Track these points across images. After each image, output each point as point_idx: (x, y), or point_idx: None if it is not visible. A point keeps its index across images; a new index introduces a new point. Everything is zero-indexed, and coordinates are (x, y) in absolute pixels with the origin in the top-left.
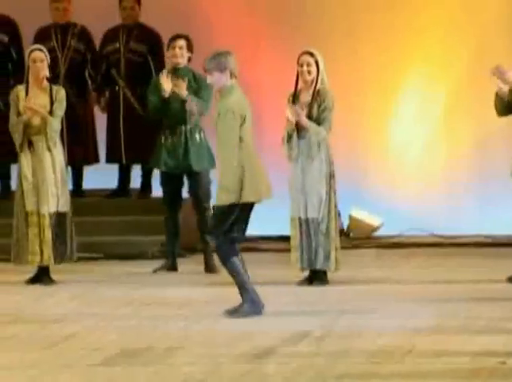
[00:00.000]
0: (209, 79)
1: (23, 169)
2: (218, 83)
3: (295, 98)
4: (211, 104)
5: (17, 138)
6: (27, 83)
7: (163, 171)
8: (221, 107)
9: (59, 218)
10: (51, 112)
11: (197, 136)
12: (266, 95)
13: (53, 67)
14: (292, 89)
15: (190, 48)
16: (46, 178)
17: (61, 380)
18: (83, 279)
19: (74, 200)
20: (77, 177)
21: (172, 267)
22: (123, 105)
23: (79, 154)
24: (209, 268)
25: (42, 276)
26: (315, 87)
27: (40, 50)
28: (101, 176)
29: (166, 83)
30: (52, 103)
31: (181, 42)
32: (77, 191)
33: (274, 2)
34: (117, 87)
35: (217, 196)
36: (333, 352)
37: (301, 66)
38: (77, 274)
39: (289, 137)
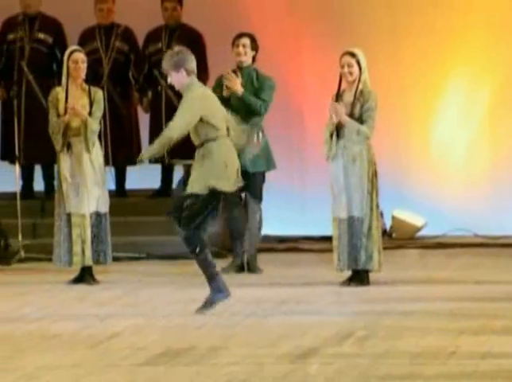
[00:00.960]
0: (169, 80)
1: (62, 170)
2: (177, 82)
3: (338, 98)
4: (270, 104)
5: (57, 139)
6: (66, 84)
7: None
8: (183, 101)
9: (98, 218)
10: (90, 113)
11: (256, 136)
12: (309, 94)
13: (97, 67)
14: (336, 89)
15: (254, 46)
16: (85, 179)
17: (105, 379)
18: (126, 279)
19: (117, 200)
20: (120, 178)
21: (241, 268)
22: (165, 105)
23: (123, 155)
24: (252, 268)
25: (85, 276)
26: (357, 87)
27: (80, 51)
28: (144, 176)
29: (233, 82)
30: (91, 105)
31: (245, 40)
32: (120, 191)
33: (316, 2)
34: (159, 88)
35: (188, 187)
36: (376, 352)
37: (342, 67)
38: (121, 274)
39: (330, 136)
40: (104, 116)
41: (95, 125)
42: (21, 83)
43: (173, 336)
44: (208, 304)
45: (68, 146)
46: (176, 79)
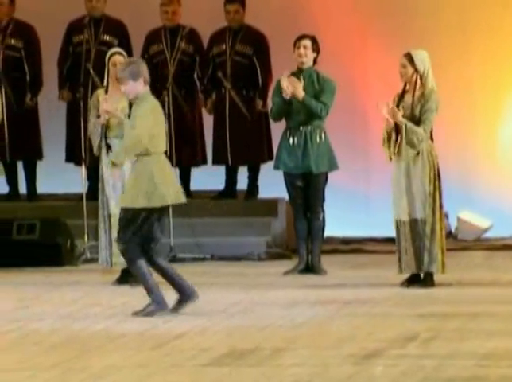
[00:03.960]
0: (123, 88)
1: (103, 172)
2: (132, 91)
3: (400, 99)
4: (331, 107)
5: (95, 140)
6: (107, 86)
7: (284, 172)
8: (137, 111)
9: None
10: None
11: (318, 138)
12: (373, 91)
13: (162, 69)
14: (398, 89)
15: (315, 48)
16: (125, 180)
17: (169, 380)
18: (190, 280)
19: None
20: (185, 179)
21: (305, 270)
22: (229, 107)
23: (187, 156)
24: (316, 270)
25: (128, 277)
26: (414, 88)
27: (120, 54)
28: (208, 177)
29: (286, 84)
30: (130, 106)
31: (306, 42)
32: (184, 192)
33: (381, 1)
34: (223, 90)
35: (124, 200)
36: (441, 354)
37: (400, 68)
38: (185, 275)
39: (389, 137)
40: (168, 117)
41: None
42: (87, 85)
43: (237, 337)
44: (146, 312)
45: (109, 147)
46: (132, 88)
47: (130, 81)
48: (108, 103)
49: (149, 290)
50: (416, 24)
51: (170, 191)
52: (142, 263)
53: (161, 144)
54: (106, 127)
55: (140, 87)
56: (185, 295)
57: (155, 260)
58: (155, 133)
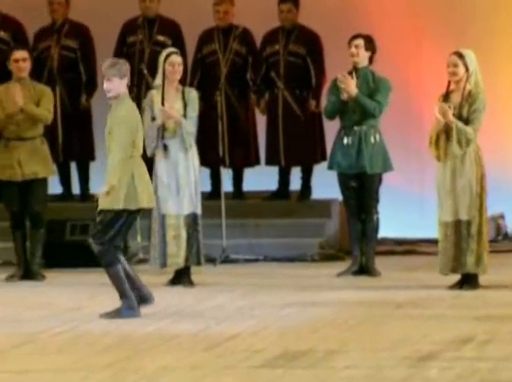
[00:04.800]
0: (107, 85)
1: (158, 172)
2: (116, 90)
3: (446, 98)
4: (386, 106)
5: (150, 142)
6: (162, 86)
7: (338, 172)
8: (117, 117)
9: (193, 220)
10: (185, 115)
11: (372, 138)
12: (427, 93)
13: (214, 69)
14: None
15: (369, 47)
16: (181, 181)
17: (223, 381)
18: (243, 281)
19: (234, 202)
20: (237, 179)
21: (359, 271)
22: (282, 107)
23: (240, 156)
24: (369, 271)
25: (182, 278)
26: (464, 87)
27: (177, 53)
28: (261, 178)
29: (347, 84)
30: (185, 106)
31: (358, 41)
32: (237, 193)
33: (437, 2)
34: (276, 90)
35: (102, 202)
36: (497, 357)
37: (448, 67)
38: (238, 277)
39: (437, 137)
40: (221, 118)
41: (189, 126)
42: (141, 85)
43: (290, 338)
44: (115, 315)
45: (165, 148)
46: (116, 86)
47: (116, 79)
48: (167, 104)
49: (123, 294)
50: (472, 26)
51: (146, 194)
52: (119, 267)
53: (139, 147)
54: (162, 128)
55: (123, 87)
56: (141, 297)
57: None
58: (134, 136)
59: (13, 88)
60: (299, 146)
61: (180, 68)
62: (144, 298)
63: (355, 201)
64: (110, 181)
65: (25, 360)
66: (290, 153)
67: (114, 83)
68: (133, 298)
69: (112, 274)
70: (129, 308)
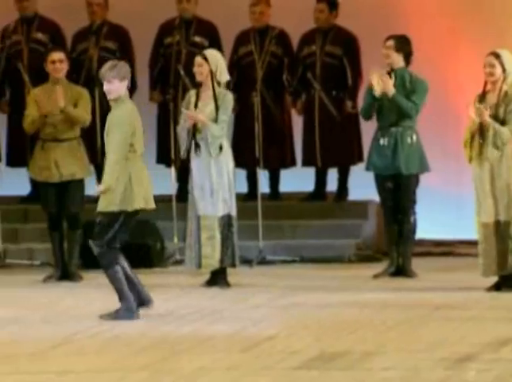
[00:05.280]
0: (107, 87)
1: (193, 173)
2: (116, 91)
3: (482, 99)
4: (421, 107)
5: (182, 143)
6: (199, 87)
7: (375, 173)
8: (114, 118)
9: (228, 221)
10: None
11: (409, 139)
12: (465, 93)
13: (250, 71)
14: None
15: (401, 48)
16: (214, 183)
17: None
18: (279, 282)
19: (271, 203)
20: (273, 181)
21: (396, 273)
22: (318, 108)
23: (276, 158)
24: (407, 273)
25: (218, 279)
26: (501, 88)
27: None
28: (298, 179)
29: (376, 82)
30: (217, 109)
31: (389, 43)
32: (274, 194)
33: (475, 2)
34: (312, 91)
35: (101, 204)
36: None
37: (485, 67)
38: (274, 278)
39: (472, 137)
40: (257, 119)
41: (216, 130)
42: (178, 86)
43: (327, 339)
44: (113, 317)
45: (198, 147)
46: (116, 88)
47: (117, 81)
48: (195, 106)
49: (122, 296)
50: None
51: (143, 196)
52: (118, 268)
53: (139, 148)
54: (194, 129)
55: (123, 89)
56: (140, 300)
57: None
58: (133, 138)
59: (55, 89)
60: (335, 147)
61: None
62: (143, 302)
63: (392, 202)
64: (107, 181)
65: (63, 361)
66: (326, 155)
67: (114, 85)
68: (132, 300)
69: (110, 276)
70: (127, 310)
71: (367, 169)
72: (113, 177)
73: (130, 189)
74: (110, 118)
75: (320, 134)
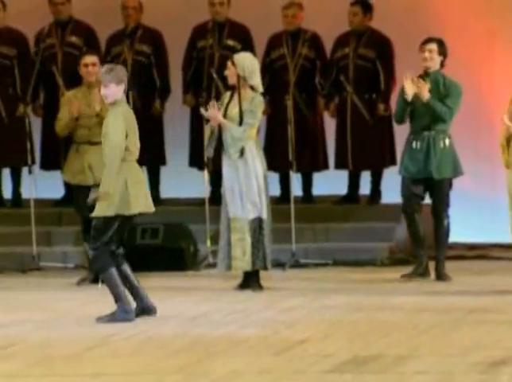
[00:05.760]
0: (104, 91)
1: (223, 175)
2: (113, 95)
3: None
4: (456, 111)
5: (207, 143)
6: (233, 90)
7: (404, 176)
8: (109, 123)
9: (258, 224)
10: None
11: (441, 143)
12: (499, 97)
13: (283, 74)
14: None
15: (442, 51)
16: (243, 186)
17: None
18: (312, 286)
19: (303, 206)
20: (306, 184)
21: (424, 273)
22: (351, 111)
23: (308, 161)
24: (440, 276)
25: (251, 282)
26: None
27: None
28: (331, 182)
29: (408, 87)
30: (243, 111)
31: (431, 45)
32: (306, 197)
33: (510, 3)
34: (345, 93)
35: (98, 208)
36: None
37: None
38: (307, 281)
39: (507, 143)
40: (290, 122)
41: (236, 132)
42: (211, 90)
43: (360, 343)
44: (111, 319)
45: (223, 148)
46: (113, 92)
47: (113, 85)
48: (213, 108)
49: (118, 298)
50: None
51: (141, 199)
52: (113, 271)
53: (134, 151)
54: (219, 130)
55: (120, 93)
56: (140, 307)
57: (120, 266)
58: (128, 141)
59: (90, 93)
60: (367, 151)
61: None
62: (146, 310)
63: (414, 207)
64: (104, 186)
65: (98, 364)
66: (358, 158)
67: (111, 89)
68: (128, 301)
69: (106, 279)
70: (123, 311)
71: (400, 172)
72: (110, 182)
73: (127, 192)
74: (105, 122)
75: (353, 137)
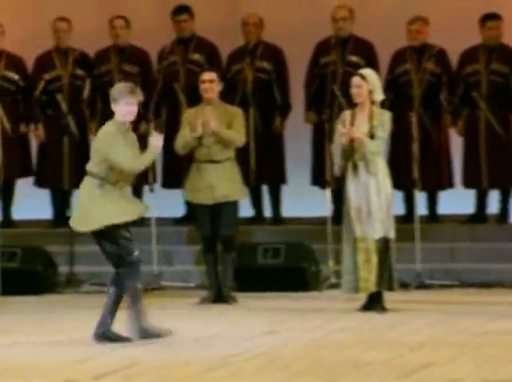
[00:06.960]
0: (133, 108)
1: (349, 194)
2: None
3: None
4: None
5: (335, 160)
6: (354, 108)
7: None
8: (105, 130)
9: (384, 244)
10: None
11: None
12: None
13: (407, 90)
14: None
15: None
16: (372, 205)
17: None
18: (437, 308)
19: (428, 225)
20: (431, 202)
21: None
22: (485, 128)
23: (433, 179)
24: None
25: (375, 303)
26: None
27: (363, 77)
28: (455, 200)
29: None
30: (372, 128)
31: None
32: (432, 216)
33: None
34: (477, 110)
35: (89, 226)
36: None
37: None
38: (432, 303)
39: None
40: (414, 139)
41: (373, 146)
42: (333, 107)
43: (488, 367)
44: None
45: (355, 167)
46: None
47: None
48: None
49: (105, 321)
50: None
51: (132, 206)
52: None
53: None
54: (351, 149)
55: (116, 111)
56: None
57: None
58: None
59: (206, 111)
60: (501, 169)
61: (358, 90)
62: (147, 334)
63: None
64: (147, 162)
65: None
66: (492, 176)
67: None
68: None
69: (118, 297)
70: (104, 334)
71: None
72: (149, 160)
73: (104, 206)
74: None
75: (486, 155)
